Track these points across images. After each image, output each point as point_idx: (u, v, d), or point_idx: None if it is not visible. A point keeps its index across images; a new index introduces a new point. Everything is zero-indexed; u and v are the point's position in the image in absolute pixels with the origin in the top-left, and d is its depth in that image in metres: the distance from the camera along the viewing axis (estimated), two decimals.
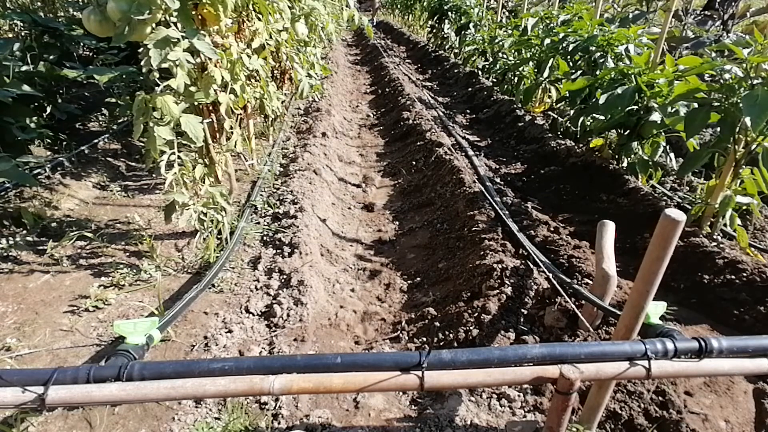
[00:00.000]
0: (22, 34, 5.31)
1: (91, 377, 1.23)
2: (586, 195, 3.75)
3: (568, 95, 4.27)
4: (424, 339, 2.32)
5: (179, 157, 2.43)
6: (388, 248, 3.37)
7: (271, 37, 3.47)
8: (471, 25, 9.28)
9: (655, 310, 1.60)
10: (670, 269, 1.96)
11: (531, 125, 5.29)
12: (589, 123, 4.28)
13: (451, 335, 2.25)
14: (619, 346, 1.39)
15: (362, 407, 1.94)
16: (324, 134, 5.02)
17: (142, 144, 3.05)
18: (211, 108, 2.92)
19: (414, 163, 4.66)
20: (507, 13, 10.44)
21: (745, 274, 2.48)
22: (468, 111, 6.61)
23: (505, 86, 6.74)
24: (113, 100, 4.55)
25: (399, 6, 17.75)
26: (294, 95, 4.36)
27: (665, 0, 10.59)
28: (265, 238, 3.10)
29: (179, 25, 2.23)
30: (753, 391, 1.88)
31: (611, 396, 1.84)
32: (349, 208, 3.96)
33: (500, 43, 6.71)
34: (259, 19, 3.21)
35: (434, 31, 11.56)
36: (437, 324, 2.36)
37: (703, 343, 1.40)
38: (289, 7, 3.68)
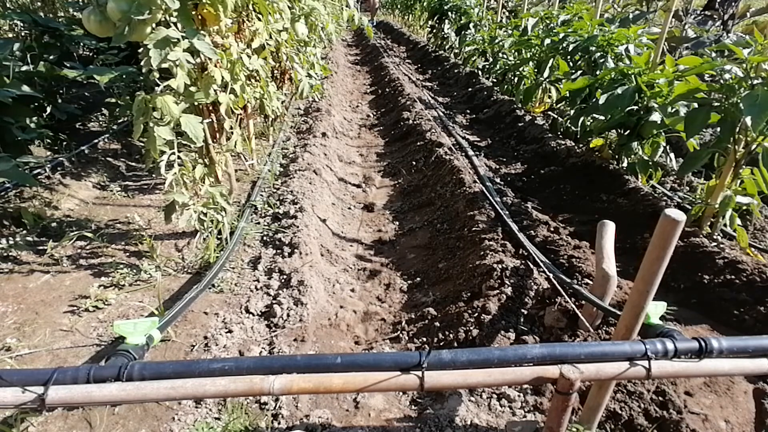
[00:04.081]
0: (22, 34, 5.31)
1: (91, 377, 1.23)
2: (586, 195, 3.75)
3: (568, 95, 4.27)
4: (424, 339, 2.32)
5: (179, 157, 2.42)
6: (388, 248, 3.37)
7: (271, 37, 3.47)
8: (471, 25, 9.28)
9: (655, 310, 1.60)
10: (670, 269, 1.96)
11: (531, 125, 5.29)
12: (589, 123, 4.27)
13: (451, 335, 2.25)
14: (619, 346, 1.39)
15: (362, 407, 1.94)
16: (324, 134, 5.02)
17: (142, 144, 3.05)
18: (211, 108, 2.92)
19: (414, 163, 4.66)
20: (507, 13, 10.44)
21: (745, 274, 2.48)
22: (468, 111, 6.61)
23: (505, 86, 6.74)
24: (113, 100, 4.56)
25: (399, 6, 17.75)
26: (294, 95, 4.36)
27: (665, 0, 10.59)
28: (265, 238, 3.10)
29: (179, 25, 2.23)
30: (753, 391, 1.88)
31: (611, 396, 1.84)
32: (349, 208, 3.96)
33: (500, 43, 6.71)
34: (259, 19, 3.21)
35: (434, 31, 11.56)
36: (437, 324, 2.36)
37: (703, 343, 1.40)
38: (289, 7, 3.68)
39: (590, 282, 2.41)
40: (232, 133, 3.06)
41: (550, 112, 5.65)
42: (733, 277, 2.51)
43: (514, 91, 6.41)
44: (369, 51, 12.06)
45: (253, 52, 3.10)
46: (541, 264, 2.44)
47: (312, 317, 2.40)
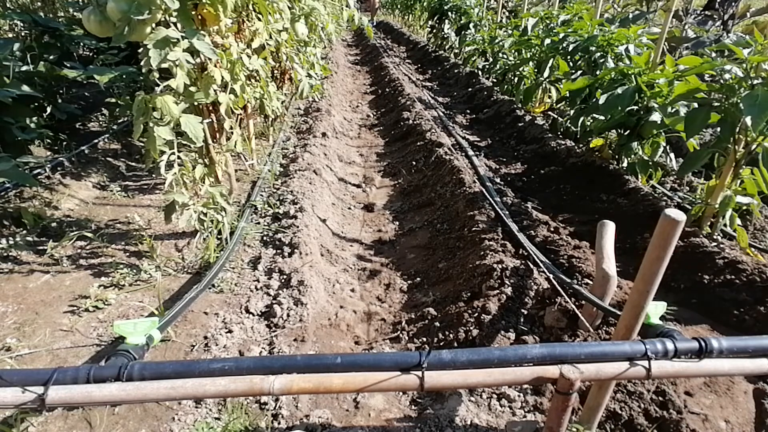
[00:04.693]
0: (22, 34, 5.31)
1: (91, 377, 1.23)
2: (586, 195, 3.75)
3: (568, 95, 4.27)
4: (424, 339, 2.32)
5: (179, 157, 2.43)
6: (388, 248, 3.37)
7: (271, 37, 3.47)
8: (471, 25, 9.29)
9: (655, 310, 1.60)
10: (670, 269, 1.96)
11: (531, 125, 5.29)
12: (589, 123, 4.28)
13: (451, 335, 2.25)
14: (619, 347, 1.39)
15: (362, 407, 1.94)
16: (324, 134, 5.02)
17: (142, 144, 3.05)
18: (211, 108, 2.92)
19: (414, 163, 4.66)
20: (507, 13, 10.44)
21: (745, 274, 2.48)
22: (468, 111, 6.61)
23: (505, 86, 6.74)
24: (113, 100, 4.56)
25: (399, 6, 17.75)
26: (294, 95, 4.36)
27: (665, 0, 10.59)
28: (265, 238, 3.10)
29: (179, 25, 2.23)
30: (753, 391, 1.88)
31: (611, 396, 1.84)
32: (349, 208, 3.96)
33: (500, 43, 6.71)
34: (259, 19, 3.21)
35: (434, 31, 11.56)
36: (437, 324, 2.36)
37: (703, 344, 1.40)
38: (289, 7, 3.68)
39: (590, 282, 2.41)
40: (232, 133, 3.06)
41: (550, 112, 5.65)
42: (733, 277, 2.51)
43: (514, 91, 6.41)
44: (369, 51, 12.06)
45: (253, 52, 3.10)
46: (541, 264, 2.43)
47: (312, 317, 2.40)
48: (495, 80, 7.38)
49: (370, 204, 4.02)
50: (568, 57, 4.85)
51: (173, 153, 2.38)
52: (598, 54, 4.47)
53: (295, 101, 6.10)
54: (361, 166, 4.95)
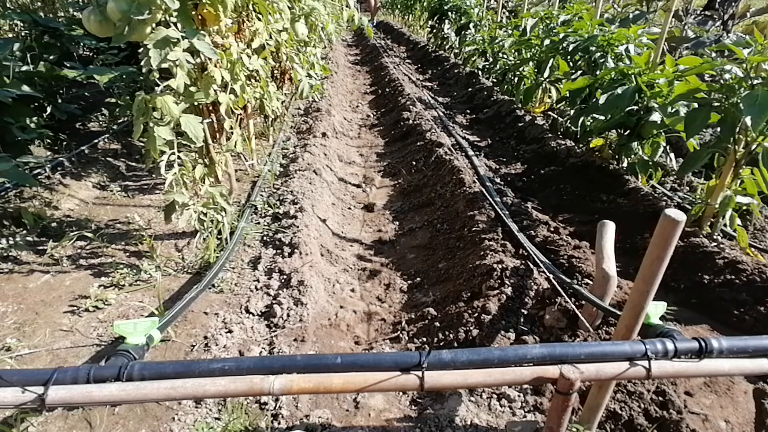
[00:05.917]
0: (22, 34, 5.31)
1: (91, 377, 1.23)
2: (586, 195, 3.75)
3: (568, 95, 4.27)
4: (424, 339, 2.32)
5: (179, 157, 2.42)
6: (388, 248, 3.37)
7: (271, 37, 3.47)
8: (471, 25, 9.29)
9: (655, 310, 1.60)
10: (670, 269, 1.97)
11: (531, 125, 5.29)
12: (589, 123, 4.27)
13: (451, 335, 2.25)
14: (619, 347, 1.39)
15: (362, 407, 1.94)
16: (324, 134, 5.02)
17: (142, 144, 3.05)
18: (211, 108, 2.92)
19: (414, 163, 4.66)
20: (507, 13, 10.44)
21: (745, 274, 2.48)
22: (468, 111, 6.61)
23: (505, 86, 6.74)
24: (113, 100, 4.56)
25: (399, 6, 17.75)
26: (294, 95, 4.37)
27: (665, 0, 10.59)
28: (265, 238, 3.10)
29: (179, 25, 2.23)
30: (753, 391, 1.87)
31: (611, 396, 1.84)
32: (350, 208, 3.96)
33: (500, 43, 6.71)
34: (259, 19, 3.21)
35: (434, 31, 11.56)
36: (437, 324, 2.36)
37: (703, 344, 1.40)
38: (289, 7, 3.68)
39: (590, 282, 2.41)
40: (232, 133, 3.06)
41: (550, 112, 5.65)
42: (733, 277, 2.51)
43: (514, 91, 6.41)
44: (369, 51, 12.06)
45: (253, 52, 3.10)
46: (541, 264, 2.43)
47: (312, 317, 2.40)
48: (495, 80, 7.38)
49: (370, 204, 4.02)
50: (568, 57, 4.85)
51: (173, 153, 2.38)
52: (598, 54, 4.47)
53: (295, 101, 6.10)
54: (361, 166, 4.95)
